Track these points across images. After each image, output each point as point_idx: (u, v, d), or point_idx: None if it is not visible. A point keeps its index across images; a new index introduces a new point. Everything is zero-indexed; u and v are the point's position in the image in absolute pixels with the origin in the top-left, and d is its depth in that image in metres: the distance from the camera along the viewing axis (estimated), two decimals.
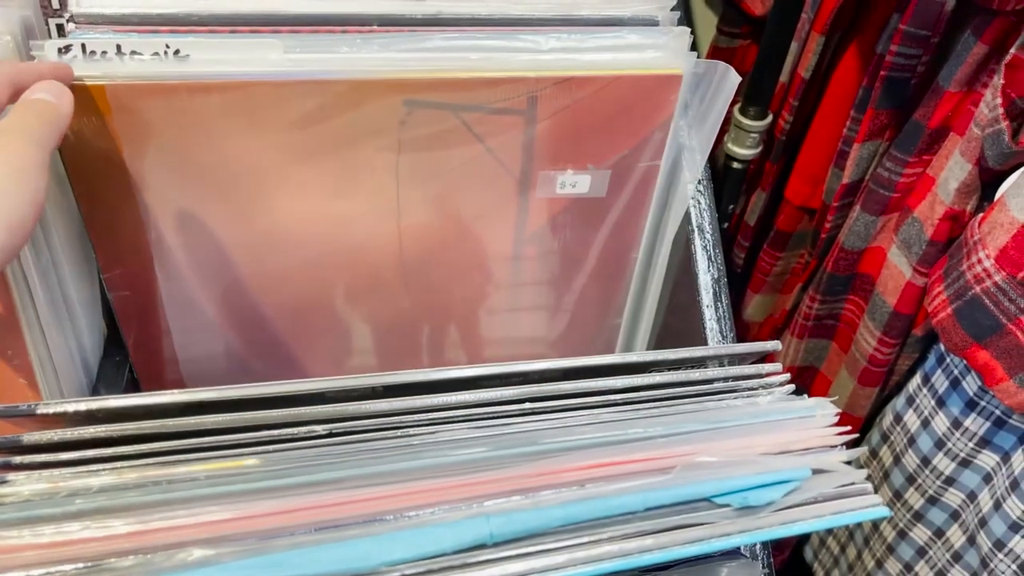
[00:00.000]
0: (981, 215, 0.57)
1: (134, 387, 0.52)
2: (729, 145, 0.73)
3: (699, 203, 0.53)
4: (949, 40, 0.61)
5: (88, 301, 0.50)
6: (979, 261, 0.55)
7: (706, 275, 0.52)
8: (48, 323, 0.45)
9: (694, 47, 0.47)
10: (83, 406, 0.32)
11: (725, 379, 0.38)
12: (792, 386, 0.39)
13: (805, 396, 0.38)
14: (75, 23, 0.42)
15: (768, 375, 0.39)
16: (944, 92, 0.60)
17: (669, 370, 0.38)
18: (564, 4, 0.47)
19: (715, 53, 0.80)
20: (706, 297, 0.51)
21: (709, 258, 0.52)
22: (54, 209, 0.45)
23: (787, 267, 0.84)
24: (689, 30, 0.46)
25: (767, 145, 0.77)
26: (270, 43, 0.41)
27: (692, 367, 0.38)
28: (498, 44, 0.44)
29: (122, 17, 0.42)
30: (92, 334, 0.53)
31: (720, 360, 0.40)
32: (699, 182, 0.53)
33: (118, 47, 0.38)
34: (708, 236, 0.52)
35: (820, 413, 0.37)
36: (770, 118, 0.71)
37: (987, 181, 0.60)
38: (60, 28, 0.59)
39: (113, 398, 0.32)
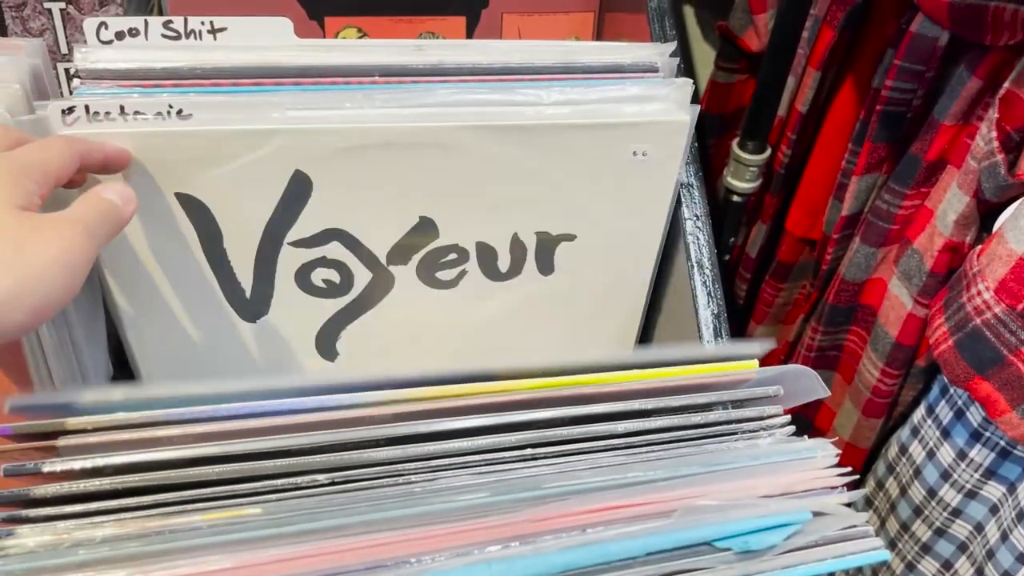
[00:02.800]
0: (980, 247, 0.57)
1: None
2: (728, 179, 0.73)
3: (698, 239, 0.53)
4: (944, 74, 0.62)
5: (94, 341, 0.51)
6: (979, 293, 0.55)
7: (706, 310, 0.52)
8: (54, 364, 0.46)
9: (692, 82, 0.48)
10: (88, 463, 0.32)
11: (726, 422, 0.39)
12: (793, 427, 0.39)
13: (806, 437, 0.38)
14: (80, 79, 0.42)
15: (769, 417, 0.39)
16: (940, 125, 0.61)
17: (671, 415, 0.38)
18: (564, 51, 0.48)
19: (713, 88, 0.81)
20: (706, 333, 0.51)
21: (709, 294, 0.52)
22: None
23: (789, 298, 0.84)
24: (691, 81, 0.47)
25: (767, 178, 0.77)
26: (273, 101, 0.41)
27: (694, 411, 0.39)
28: (500, 98, 0.45)
29: (127, 72, 0.42)
30: (98, 374, 0.54)
31: (724, 405, 0.40)
32: (698, 218, 0.54)
33: (121, 107, 0.39)
34: (707, 272, 0.53)
35: (821, 454, 0.37)
36: (769, 152, 0.72)
37: (985, 213, 0.60)
38: (68, 72, 0.60)
39: (118, 454, 0.32)
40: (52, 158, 0.36)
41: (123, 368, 0.53)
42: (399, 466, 0.34)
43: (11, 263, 0.31)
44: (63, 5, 0.60)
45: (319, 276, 0.49)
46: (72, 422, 0.34)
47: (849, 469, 0.36)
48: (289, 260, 0.48)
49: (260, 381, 0.35)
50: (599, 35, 0.67)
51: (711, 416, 0.38)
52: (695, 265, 0.53)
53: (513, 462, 0.35)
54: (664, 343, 0.57)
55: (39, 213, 0.33)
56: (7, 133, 0.36)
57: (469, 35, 0.65)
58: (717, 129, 0.83)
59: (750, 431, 0.38)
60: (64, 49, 0.61)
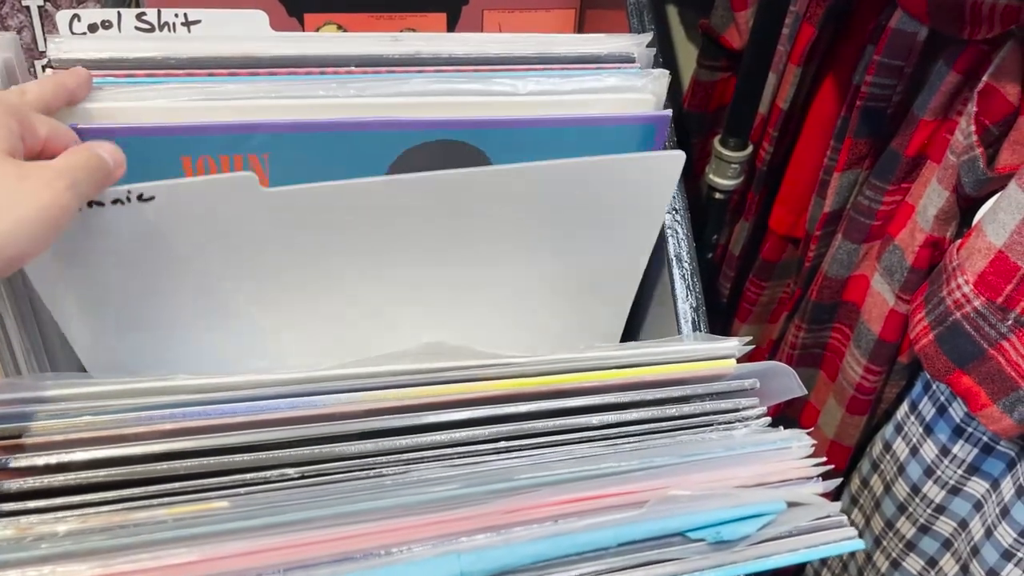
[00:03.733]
0: (959, 241, 0.57)
1: None
2: (711, 176, 0.73)
3: (676, 233, 0.53)
4: (923, 70, 0.62)
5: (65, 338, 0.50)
6: (958, 287, 0.55)
7: (684, 304, 0.52)
8: (23, 361, 0.45)
9: (675, 81, 0.48)
10: (53, 459, 0.32)
11: (702, 414, 0.38)
12: (768, 419, 0.39)
13: (781, 428, 0.38)
14: (53, 68, 0.42)
15: (745, 409, 0.39)
16: (920, 121, 0.61)
17: (647, 407, 0.37)
18: (541, 41, 0.48)
19: (696, 86, 0.81)
20: (685, 327, 0.51)
21: (688, 287, 0.52)
22: None
23: (773, 296, 0.84)
24: (667, 72, 0.47)
25: (749, 175, 0.77)
26: (247, 179, 0.39)
27: (670, 404, 0.38)
28: (476, 88, 0.44)
29: (99, 62, 0.42)
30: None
31: (700, 398, 0.39)
32: (676, 212, 0.54)
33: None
34: (686, 265, 0.53)
35: (796, 445, 0.37)
36: (751, 149, 0.72)
37: (965, 207, 0.60)
38: (44, 70, 0.60)
39: (84, 450, 0.32)
40: (33, 92, 0.34)
41: None
42: (370, 460, 0.34)
43: None
44: (41, 2, 0.59)
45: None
46: (39, 425, 0.33)
47: (824, 459, 0.36)
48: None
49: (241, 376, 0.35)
50: (580, 31, 0.67)
51: (686, 408, 0.38)
52: (674, 259, 0.53)
53: (486, 454, 0.35)
54: (643, 337, 0.57)
55: (24, 161, 0.32)
56: None
57: (450, 32, 0.65)
58: (700, 127, 0.83)
59: (725, 423, 0.38)
60: (42, 46, 0.61)
